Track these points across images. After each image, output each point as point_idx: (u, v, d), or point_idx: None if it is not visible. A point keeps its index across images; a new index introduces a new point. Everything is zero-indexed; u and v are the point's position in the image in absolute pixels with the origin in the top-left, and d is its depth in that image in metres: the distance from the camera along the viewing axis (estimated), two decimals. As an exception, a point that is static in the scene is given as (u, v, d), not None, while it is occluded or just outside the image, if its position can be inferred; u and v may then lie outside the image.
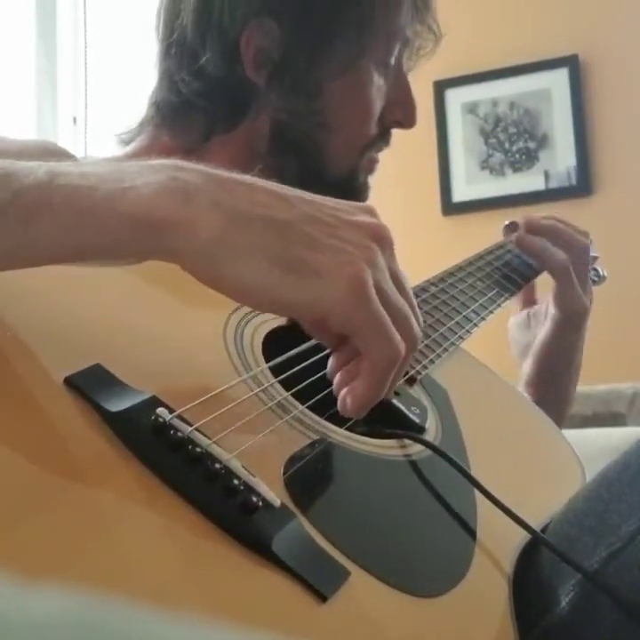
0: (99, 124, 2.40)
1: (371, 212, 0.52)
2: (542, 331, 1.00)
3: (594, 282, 1.07)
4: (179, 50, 0.84)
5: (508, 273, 0.96)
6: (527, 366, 1.02)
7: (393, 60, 0.87)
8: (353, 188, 0.88)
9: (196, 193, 0.45)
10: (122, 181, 0.45)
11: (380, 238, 0.49)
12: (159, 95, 0.86)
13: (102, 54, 2.45)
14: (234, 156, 0.84)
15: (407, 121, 0.90)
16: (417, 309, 0.51)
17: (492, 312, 0.87)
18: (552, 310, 0.99)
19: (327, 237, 0.47)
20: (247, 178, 0.49)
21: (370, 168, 0.90)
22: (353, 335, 0.47)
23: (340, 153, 0.86)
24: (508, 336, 1.07)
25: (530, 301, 1.06)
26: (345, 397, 0.50)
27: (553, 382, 1.02)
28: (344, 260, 0.46)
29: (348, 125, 0.86)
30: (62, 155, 0.83)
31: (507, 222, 1.08)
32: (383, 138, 0.90)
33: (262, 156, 0.85)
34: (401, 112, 0.89)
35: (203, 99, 0.83)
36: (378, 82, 0.86)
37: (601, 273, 1.10)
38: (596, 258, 1.08)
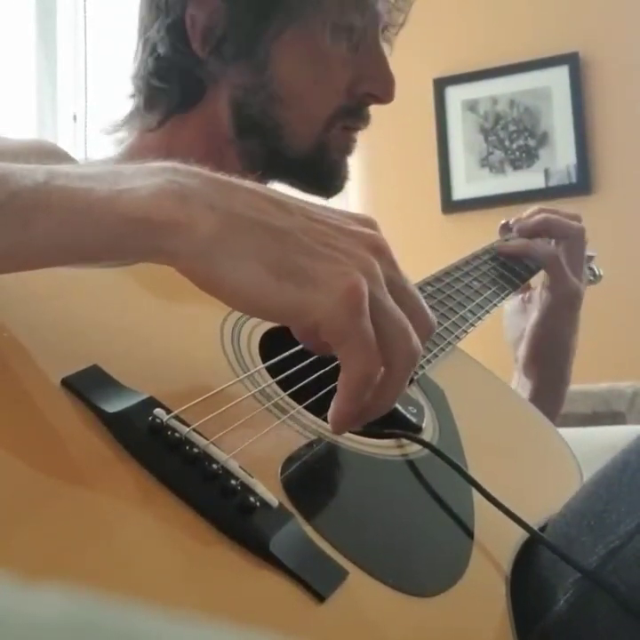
0: (99, 121, 2.40)
1: (370, 223, 0.51)
2: (534, 315, 1.01)
3: (590, 281, 1.07)
4: (141, 34, 0.86)
5: (505, 272, 0.96)
6: (521, 351, 1.02)
7: (356, 28, 0.84)
8: (323, 167, 0.86)
9: (192, 196, 0.45)
10: (119, 183, 0.45)
11: (377, 249, 0.48)
12: (133, 83, 0.88)
13: (102, 52, 2.45)
14: (190, 137, 0.85)
15: (380, 93, 0.87)
16: (427, 312, 0.50)
17: (488, 311, 0.87)
18: (544, 294, 1.00)
19: (324, 247, 0.47)
20: (247, 182, 0.49)
21: (344, 147, 0.88)
22: (336, 346, 0.47)
23: (300, 127, 0.85)
24: (504, 323, 1.08)
25: (524, 287, 1.06)
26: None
27: (548, 365, 1.02)
28: (340, 271, 0.46)
29: (303, 96, 0.84)
30: (61, 155, 0.83)
31: (502, 222, 1.09)
32: (357, 114, 0.87)
33: (231, 142, 0.85)
34: (372, 84, 0.86)
35: (157, 79, 0.85)
36: (338, 51, 0.84)
37: (597, 272, 1.10)
38: (592, 257, 1.08)
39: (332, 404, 0.49)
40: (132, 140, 0.88)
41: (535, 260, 1.00)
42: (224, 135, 0.85)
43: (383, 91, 0.87)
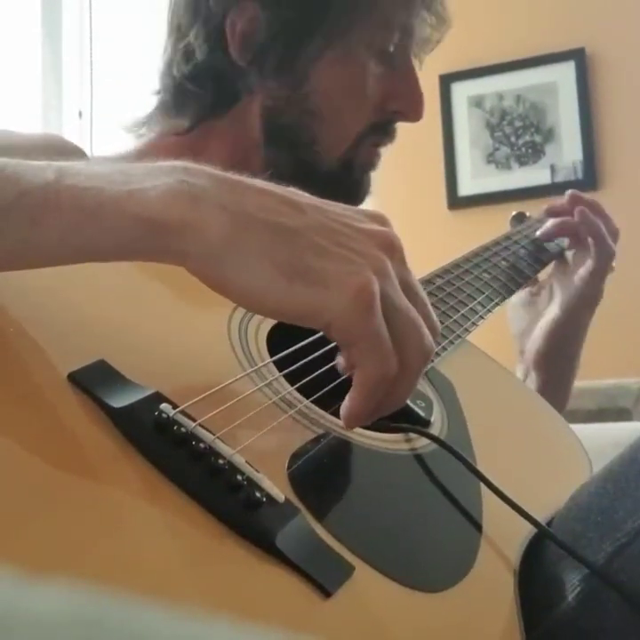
0: (104, 117, 2.40)
1: (381, 220, 0.51)
2: (553, 310, 1.01)
3: None
4: (174, 35, 0.86)
5: (516, 264, 0.96)
6: (533, 345, 1.02)
7: (392, 47, 0.85)
8: (348, 184, 0.86)
9: (203, 196, 0.45)
10: (129, 183, 0.45)
11: (390, 247, 0.48)
12: (161, 82, 0.88)
13: (108, 47, 2.45)
14: (221, 143, 0.85)
15: (409, 112, 0.87)
16: (433, 318, 0.50)
17: (498, 304, 0.87)
18: (566, 290, 1.00)
19: (335, 246, 0.46)
20: (257, 182, 0.48)
21: (369, 163, 0.88)
22: (349, 346, 0.47)
23: (332, 142, 0.85)
24: (508, 315, 1.07)
25: (533, 279, 1.06)
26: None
27: (560, 361, 1.03)
28: (351, 270, 0.46)
29: (339, 112, 0.84)
30: (72, 150, 0.83)
31: (514, 213, 1.08)
32: (384, 130, 0.88)
33: (258, 149, 0.85)
34: (402, 102, 0.87)
35: (191, 83, 0.84)
36: (373, 69, 0.84)
37: None
38: None
39: (345, 401, 0.49)
40: (153, 139, 0.88)
41: (600, 246, 1.00)
42: (252, 141, 0.85)
43: (412, 109, 0.87)
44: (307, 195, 0.50)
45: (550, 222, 1.04)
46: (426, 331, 0.48)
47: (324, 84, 0.83)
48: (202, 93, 0.84)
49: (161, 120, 0.88)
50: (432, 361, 0.70)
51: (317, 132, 0.84)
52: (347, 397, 0.49)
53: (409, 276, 0.49)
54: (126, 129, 0.89)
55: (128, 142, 0.89)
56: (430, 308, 0.51)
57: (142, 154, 0.86)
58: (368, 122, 0.85)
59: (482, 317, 0.82)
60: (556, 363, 1.02)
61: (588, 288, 1.00)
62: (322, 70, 0.83)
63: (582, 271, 1.01)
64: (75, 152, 0.83)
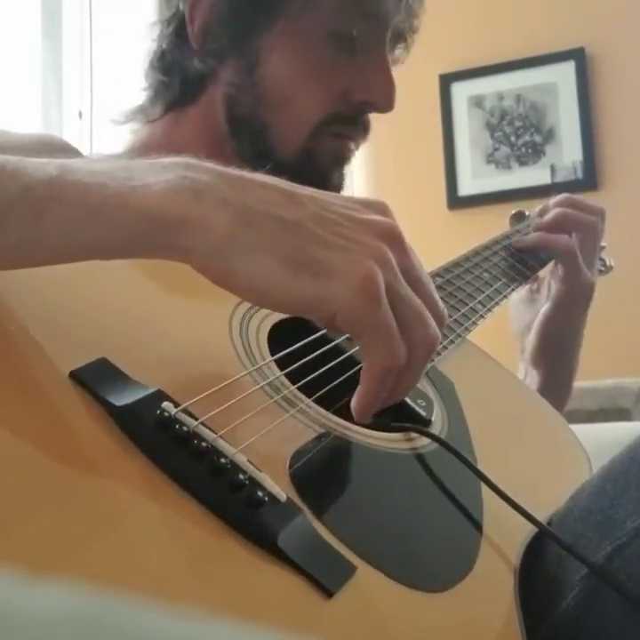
0: (104, 117, 2.40)
1: (382, 209, 0.51)
2: (546, 306, 1.01)
3: (600, 271, 1.07)
4: (152, 28, 0.87)
5: (516, 263, 0.96)
6: (529, 343, 1.02)
7: (354, 32, 0.82)
8: (310, 175, 0.81)
9: (206, 191, 0.45)
10: (132, 179, 0.45)
11: (389, 236, 0.48)
12: (144, 74, 0.89)
13: (108, 48, 2.45)
14: (190, 132, 0.85)
15: (380, 102, 0.84)
16: (439, 305, 0.51)
17: (498, 303, 0.87)
18: (556, 286, 1.00)
19: (336, 237, 0.47)
20: (257, 176, 0.49)
21: (338, 155, 0.86)
22: (356, 336, 0.47)
23: (286, 131, 0.83)
24: (510, 312, 1.07)
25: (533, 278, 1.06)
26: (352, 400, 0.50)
27: (557, 357, 1.02)
28: (354, 260, 0.46)
29: (291, 99, 0.82)
30: (68, 150, 0.83)
31: (513, 211, 1.08)
32: (351, 121, 0.85)
33: (227, 140, 0.85)
34: (371, 93, 0.83)
35: (160, 73, 0.86)
36: (332, 55, 0.82)
37: (608, 262, 1.10)
38: (603, 247, 1.07)
39: (355, 394, 0.49)
40: (140, 135, 0.89)
41: (551, 251, 0.99)
42: (221, 132, 0.85)
43: (380, 99, 0.84)
44: (306, 187, 0.50)
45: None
46: (430, 320, 0.49)
47: (274, 71, 0.82)
48: (169, 82, 0.86)
49: (143, 113, 0.89)
50: (432, 359, 0.70)
51: (270, 120, 0.83)
52: (357, 390, 0.49)
53: (412, 264, 0.49)
54: (115, 123, 0.90)
55: (119, 142, 0.90)
56: (436, 294, 0.51)
57: (134, 152, 0.86)
58: (328, 111, 0.83)
59: (482, 316, 0.82)
60: (552, 359, 1.02)
61: (569, 281, 0.99)
62: (274, 54, 0.82)
63: (559, 269, 1.01)
64: (72, 151, 0.83)
